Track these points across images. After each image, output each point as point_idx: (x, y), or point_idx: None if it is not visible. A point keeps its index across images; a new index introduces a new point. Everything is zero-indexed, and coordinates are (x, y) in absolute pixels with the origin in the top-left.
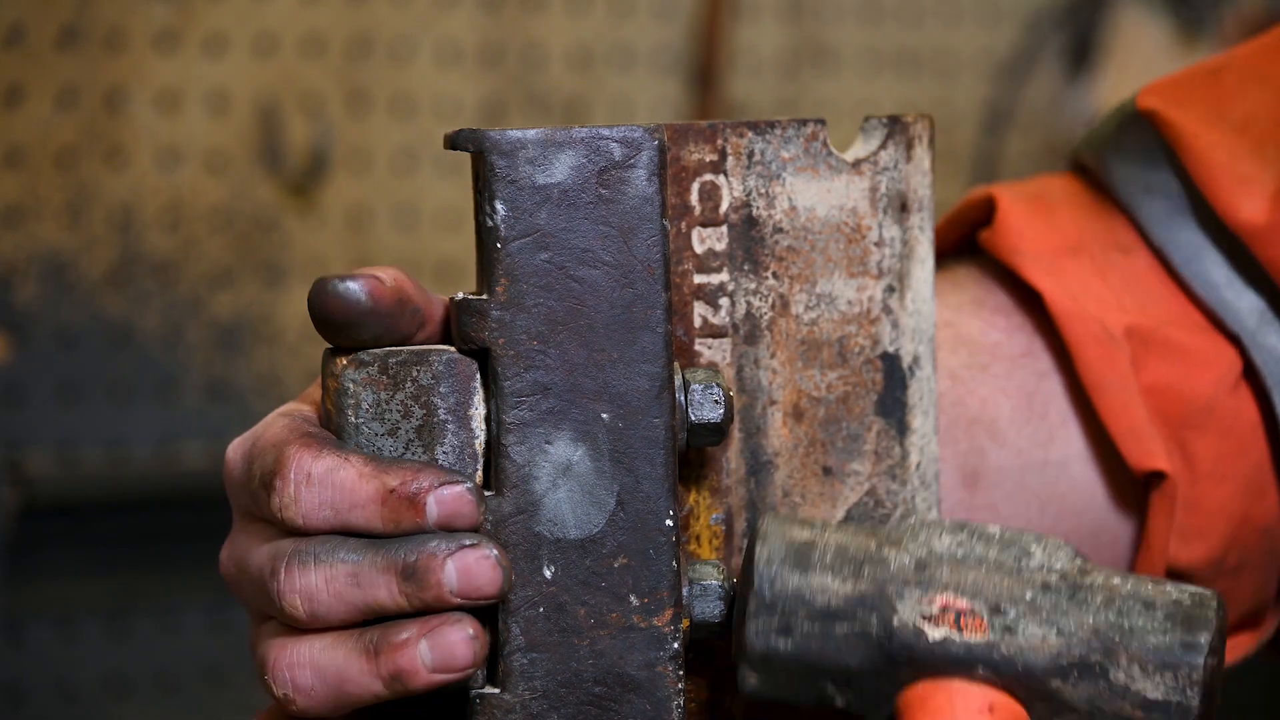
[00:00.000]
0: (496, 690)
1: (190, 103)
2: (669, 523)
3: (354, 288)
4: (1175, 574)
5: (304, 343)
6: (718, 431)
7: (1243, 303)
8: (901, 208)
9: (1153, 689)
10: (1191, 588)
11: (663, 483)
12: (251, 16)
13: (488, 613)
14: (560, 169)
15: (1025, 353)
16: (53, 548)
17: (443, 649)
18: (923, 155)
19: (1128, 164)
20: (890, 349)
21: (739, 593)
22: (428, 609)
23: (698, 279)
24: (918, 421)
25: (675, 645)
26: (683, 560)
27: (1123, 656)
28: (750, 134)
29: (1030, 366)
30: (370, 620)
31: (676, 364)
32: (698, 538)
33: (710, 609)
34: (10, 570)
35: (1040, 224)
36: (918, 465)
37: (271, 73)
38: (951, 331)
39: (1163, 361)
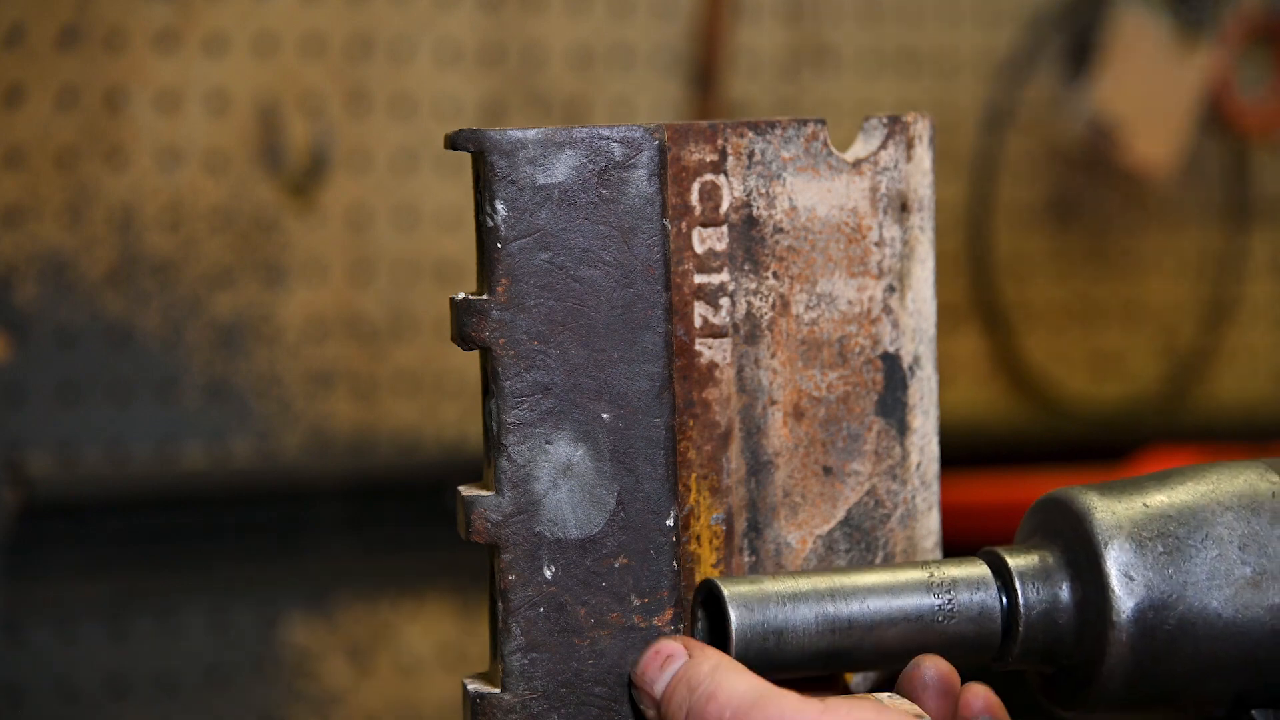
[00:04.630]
0: (497, 690)
1: (190, 103)
2: (670, 523)
3: None
4: None
5: (304, 343)
6: None
7: None
8: (902, 207)
9: None
10: None
11: (663, 483)
12: (251, 16)
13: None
14: (560, 169)
15: None
16: (53, 548)
17: None
18: (923, 155)
19: None
20: (891, 349)
21: None
22: None
23: (698, 279)
24: (918, 421)
25: None
26: (683, 560)
27: None
28: (750, 134)
29: None
30: None
31: None
32: (698, 538)
33: None
34: (10, 570)
35: None
36: (918, 465)
37: (271, 73)
38: None
39: None
